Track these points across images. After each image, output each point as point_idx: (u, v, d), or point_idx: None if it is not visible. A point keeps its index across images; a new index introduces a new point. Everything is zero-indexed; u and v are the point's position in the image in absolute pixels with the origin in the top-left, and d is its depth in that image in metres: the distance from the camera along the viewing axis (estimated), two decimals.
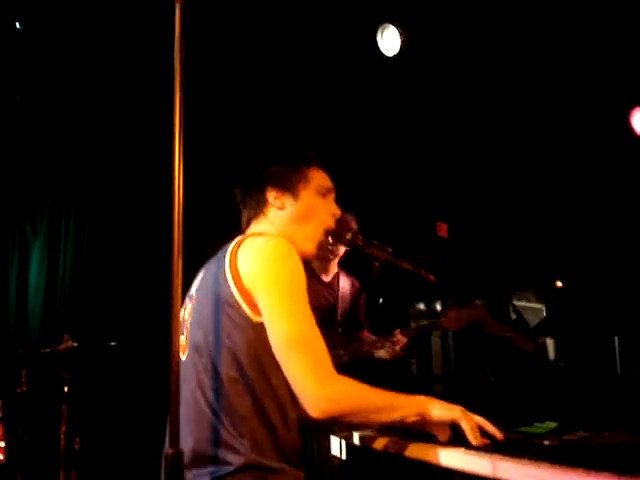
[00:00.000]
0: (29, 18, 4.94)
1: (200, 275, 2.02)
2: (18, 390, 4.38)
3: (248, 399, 1.75)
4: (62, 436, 4.23)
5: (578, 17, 5.17)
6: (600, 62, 5.53)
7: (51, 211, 5.79)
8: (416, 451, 1.84)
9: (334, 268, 3.58)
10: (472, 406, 1.85)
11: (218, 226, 2.05)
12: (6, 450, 4.17)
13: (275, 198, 2.04)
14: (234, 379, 1.76)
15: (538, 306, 9.17)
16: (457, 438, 1.76)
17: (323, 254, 3.47)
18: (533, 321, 8.84)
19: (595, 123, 6.16)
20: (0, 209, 5.54)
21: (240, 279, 1.78)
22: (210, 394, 1.78)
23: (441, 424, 1.81)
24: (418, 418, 1.80)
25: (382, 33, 5.49)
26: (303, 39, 5.32)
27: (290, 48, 5.37)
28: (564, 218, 7.54)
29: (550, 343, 9.01)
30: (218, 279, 1.83)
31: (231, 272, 1.80)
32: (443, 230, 6.79)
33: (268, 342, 1.76)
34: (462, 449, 1.69)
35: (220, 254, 1.92)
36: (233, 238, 1.95)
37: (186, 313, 1.97)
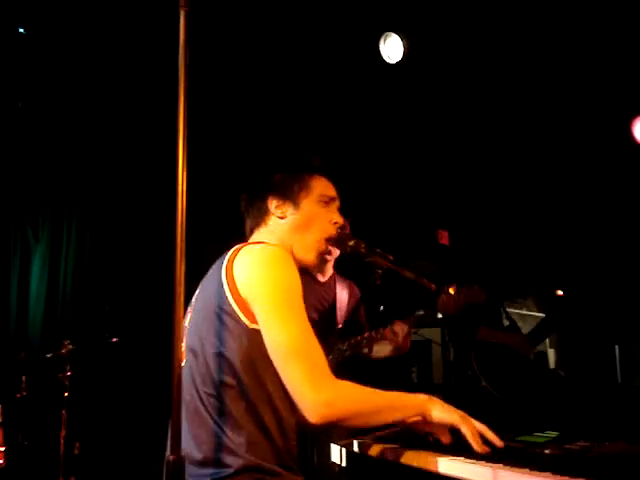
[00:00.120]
0: (32, 23, 4.95)
1: (201, 285, 2.03)
2: (18, 395, 4.38)
3: (243, 404, 1.77)
4: (62, 441, 4.24)
5: (581, 25, 5.18)
6: (602, 71, 5.53)
7: (53, 216, 5.80)
8: (417, 459, 1.84)
9: (330, 269, 3.57)
10: (473, 414, 1.85)
11: (220, 234, 2.05)
12: (6, 455, 4.17)
13: (276, 207, 2.05)
14: (229, 384, 1.78)
15: (538, 314, 9.17)
16: (458, 443, 1.76)
17: (317, 265, 3.46)
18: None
19: (597, 132, 6.17)
20: (2, 214, 5.54)
21: (236, 287, 1.80)
22: (207, 398, 1.79)
23: (442, 426, 1.81)
24: (419, 418, 1.81)
25: (385, 41, 5.50)
26: (306, 46, 5.33)
27: (293, 55, 5.38)
28: (565, 226, 7.54)
29: (551, 352, 9.00)
30: (214, 287, 1.85)
31: (227, 280, 1.82)
32: (444, 238, 6.79)
33: (263, 348, 1.77)
34: (462, 458, 1.69)
35: (218, 263, 1.93)
36: (235, 246, 1.96)
37: (186, 320, 1.98)
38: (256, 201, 2.09)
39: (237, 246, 1.94)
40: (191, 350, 1.88)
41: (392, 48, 5.47)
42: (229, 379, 1.78)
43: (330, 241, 2.12)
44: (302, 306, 1.81)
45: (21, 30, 4.88)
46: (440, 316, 3.53)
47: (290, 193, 2.06)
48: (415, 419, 1.82)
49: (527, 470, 1.49)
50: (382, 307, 3.37)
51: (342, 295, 3.50)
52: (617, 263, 7.39)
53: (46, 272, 5.71)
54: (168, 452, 1.47)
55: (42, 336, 5.47)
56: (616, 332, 7.50)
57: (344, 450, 2.39)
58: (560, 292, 8.82)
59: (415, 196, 6.64)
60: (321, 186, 2.10)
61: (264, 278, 1.81)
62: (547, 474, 1.43)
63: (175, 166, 1.58)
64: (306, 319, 1.80)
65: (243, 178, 2.17)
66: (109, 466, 4.99)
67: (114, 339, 4.49)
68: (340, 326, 3.42)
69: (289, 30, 5.20)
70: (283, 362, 1.74)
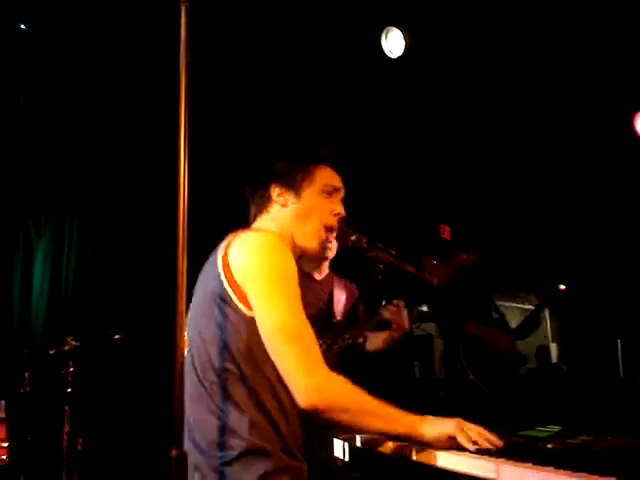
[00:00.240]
0: (34, 20, 4.95)
1: (200, 273, 2.04)
2: (21, 391, 4.39)
3: (244, 389, 1.78)
4: (65, 437, 4.24)
5: (583, 21, 5.17)
6: (604, 67, 5.52)
7: (55, 213, 5.80)
8: (420, 454, 1.84)
9: (326, 268, 3.57)
10: (474, 411, 1.85)
11: (224, 226, 2.05)
12: (9, 451, 4.17)
13: (278, 195, 2.06)
14: (228, 371, 1.79)
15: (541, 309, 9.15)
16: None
17: (319, 253, 3.46)
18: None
19: (599, 127, 6.16)
20: (4, 210, 5.54)
21: (232, 274, 1.81)
22: (209, 385, 1.81)
23: (443, 442, 1.77)
24: (413, 439, 1.80)
25: (386, 35, 5.49)
26: (308, 41, 5.33)
27: (295, 50, 5.37)
28: (567, 221, 7.53)
29: (553, 346, 9.00)
30: (212, 275, 1.86)
31: (223, 268, 1.83)
32: (446, 232, 6.79)
33: (260, 335, 1.79)
34: (466, 453, 1.69)
35: (215, 251, 1.94)
36: (231, 234, 1.97)
37: (189, 311, 1.99)
38: (259, 188, 2.10)
39: (233, 234, 1.95)
40: (192, 340, 1.90)
41: (394, 43, 5.46)
42: (229, 366, 1.79)
43: (331, 231, 2.12)
44: (297, 292, 1.83)
45: (22, 26, 4.87)
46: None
47: (293, 182, 2.06)
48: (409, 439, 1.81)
49: (530, 464, 1.49)
50: (384, 302, 3.37)
51: (340, 294, 3.50)
52: (619, 257, 7.38)
53: (48, 268, 5.71)
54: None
55: (45, 332, 5.48)
56: (618, 326, 7.50)
57: (347, 445, 2.40)
58: (562, 286, 8.82)
59: (417, 191, 6.64)
60: (325, 176, 2.10)
61: (258, 264, 1.82)
62: (550, 468, 1.43)
63: (177, 161, 1.57)
64: (300, 305, 1.81)
65: (247, 168, 2.17)
66: (112, 462, 5.00)
67: (116, 336, 4.49)
68: (338, 319, 3.42)
69: (291, 24, 5.19)
70: (275, 345, 1.76)
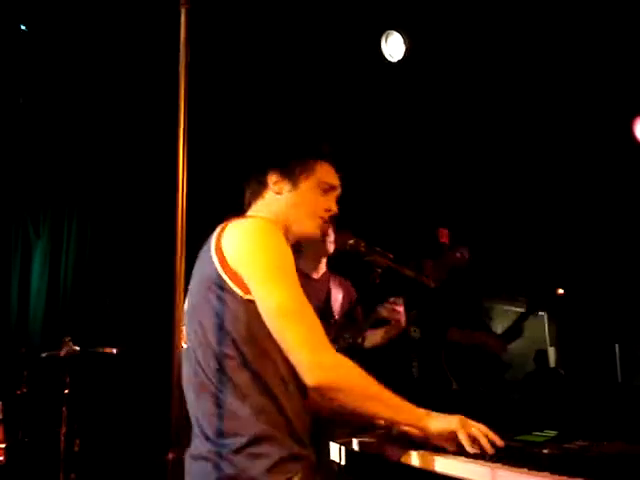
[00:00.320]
0: (34, 20, 4.95)
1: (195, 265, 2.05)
2: (18, 392, 4.38)
3: (247, 374, 1.77)
4: (62, 438, 4.23)
5: (583, 26, 5.17)
6: (603, 72, 5.53)
7: (54, 212, 5.79)
8: (416, 458, 1.84)
9: (323, 266, 3.57)
10: (473, 412, 1.85)
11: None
12: (6, 452, 4.17)
13: (275, 183, 2.06)
14: (230, 356, 1.78)
15: (539, 313, 9.16)
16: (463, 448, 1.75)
17: (315, 252, 3.47)
18: (534, 328, 8.84)
19: (598, 132, 6.17)
20: (3, 210, 5.54)
21: (225, 260, 1.81)
22: (210, 372, 1.80)
23: (446, 437, 1.78)
24: (418, 432, 1.80)
25: (386, 39, 5.50)
26: (308, 44, 5.33)
27: (295, 53, 5.38)
28: (566, 226, 7.53)
29: (551, 350, 9.01)
30: (206, 264, 1.86)
31: (217, 254, 1.83)
32: (444, 236, 6.78)
33: (261, 318, 1.78)
34: (462, 457, 1.69)
35: (208, 240, 1.94)
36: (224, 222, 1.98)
37: (185, 304, 1.97)
38: (257, 174, 2.10)
39: (225, 222, 1.95)
40: (191, 329, 1.89)
41: (394, 46, 5.47)
42: (230, 351, 1.78)
43: (325, 223, 2.12)
44: (294, 273, 1.83)
45: (22, 27, 4.88)
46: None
47: (291, 172, 2.06)
48: (412, 431, 1.83)
49: (525, 470, 1.49)
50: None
51: (337, 293, 3.51)
52: (618, 263, 7.39)
53: (47, 268, 5.70)
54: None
55: (43, 332, 5.47)
56: (616, 331, 7.50)
57: (343, 448, 2.40)
58: (561, 291, 8.82)
59: (416, 194, 6.64)
60: (323, 172, 2.10)
61: (252, 248, 1.83)
62: (545, 474, 1.43)
63: (176, 160, 1.58)
64: (298, 285, 1.81)
65: (246, 155, 2.17)
66: (109, 463, 4.99)
67: (114, 350, 4.46)
68: (336, 318, 3.43)
69: (291, 27, 5.19)
70: (278, 325, 1.76)
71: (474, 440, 1.73)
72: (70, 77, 5.38)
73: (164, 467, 1.48)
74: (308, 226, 2.08)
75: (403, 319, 3.21)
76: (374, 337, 3.39)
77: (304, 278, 3.43)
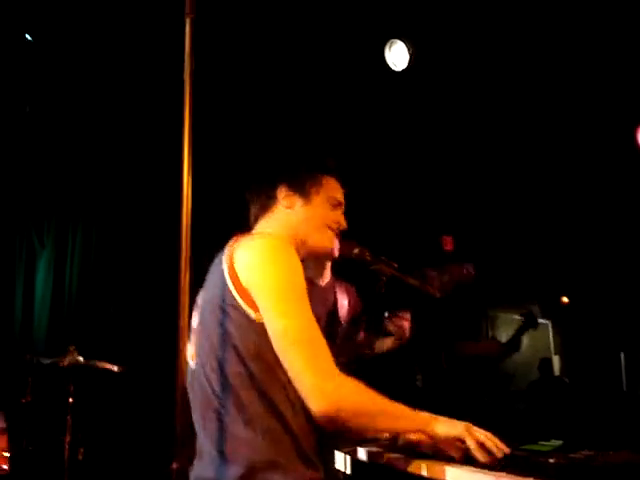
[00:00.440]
0: (39, 30, 4.98)
1: (205, 279, 2.02)
2: (23, 400, 4.38)
3: (255, 394, 1.74)
4: (66, 447, 4.22)
5: (587, 35, 5.18)
6: (607, 81, 5.53)
7: (58, 222, 5.81)
8: (421, 468, 1.83)
9: (328, 273, 3.56)
10: (479, 422, 1.85)
11: (226, 234, 2.05)
12: (10, 460, 4.17)
13: (285, 196, 2.04)
14: (240, 377, 1.75)
15: (544, 322, 9.15)
16: (469, 456, 1.75)
17: (331, 253, 3.46)
18: (538, 336, 8.83)
19: (601, 140, 6.17)
20: (8, 219, 5.55)
21: (238, 278, 1.78)
22: (219, 391, 1.77)
23: (449, 442, 1.79)
24: (424, 437, 1.80)
25: (390, 48, 5.51)
26: (312, 53, 5.35)
27: (299, 64, 5.39)
28: (570, 234, 7.53)
29: (556, 359, 8.98)
30: (218, 280, 1.84)
31: (229, 272, 1.80)
32: (449, 244, 6.79)
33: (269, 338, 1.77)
34: (467, 467, 1.68)
35: (220, 255, 1.92)
36: (236, 237, 1.95)
37: (193, 321, 1.96)
38: (265, 188, 2.07)
39: (237, 237, 1.93)
40: (200, 348, 1.87)
41: (398, 55, 5.48)
42: (239, 370, 1.75)
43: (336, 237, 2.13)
44: (304, 295, 1.80)
45: (28, 37, 4.90)
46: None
47: (301, 186, 2.05)
48: (419, 437, 1.82)
49: (531, 479, 1.49)
50: (387, 313, 3.38)
51: (342, 299, 3.50)
52: (623, 271, 7.38)
53: (51, 277, 5.72)
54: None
55: (47, 341, 5.48)
56: (622, 339, 7.48)
57: (348, 457, 2.39)
58: (566, 299, 8.82)
59: (420, 203, 6.65)
60: (331, 188, 2.11)
61: (264, 267, 1.80)
62: None
63: (180, 170, 1.58)
64: (309, 308, 1.78)
65: (251, 170, 2.16)
66: (113, 473, 4.99)
67: (115, 368, 4.45)
68: (342, 323, 3.42)
69: (294, 38, 5.21)
70: (286, 350, 1.73)
71: (481, 446, 1.73)
72: (75, 86, 5.40)
73: (168, 477, 1.48)
74: (320, 240, 2.08)
75: (408, 332, 3.21)
76: (383, 344, 3.39)
77: (310, 285, 3.42)
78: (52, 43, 5.05)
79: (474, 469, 1.66)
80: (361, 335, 3.46)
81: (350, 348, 3.19)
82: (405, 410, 1.79)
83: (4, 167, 5.52)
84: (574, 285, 8.29)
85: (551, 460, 1.71)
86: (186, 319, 1.53)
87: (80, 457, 4.32)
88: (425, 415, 1.81)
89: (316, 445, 1.80)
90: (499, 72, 5.65)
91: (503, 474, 1.56)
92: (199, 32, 1.68)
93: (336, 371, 1.74)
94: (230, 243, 1.90)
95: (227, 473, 1.72)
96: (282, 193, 2.04)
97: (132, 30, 4.96)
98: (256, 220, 2.09)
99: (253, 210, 2.10)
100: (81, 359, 4.31)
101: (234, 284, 1.78)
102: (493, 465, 1.68)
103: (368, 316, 3.50)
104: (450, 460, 1.79)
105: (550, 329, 9.27)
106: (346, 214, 2.18)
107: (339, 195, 2.13)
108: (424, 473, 1.82)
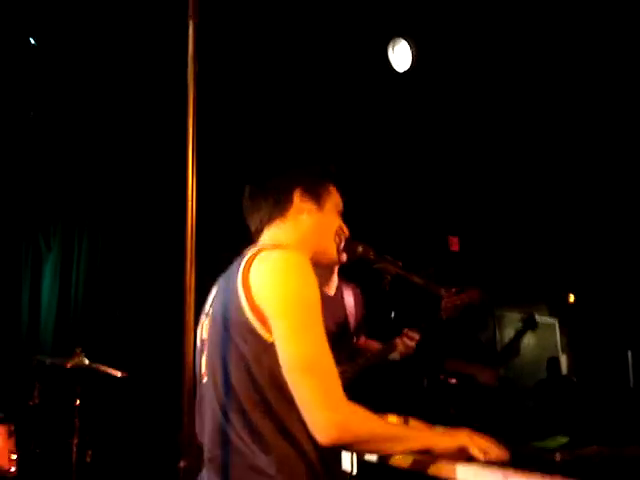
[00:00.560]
0: (43, 34, 4.99)
1: (215, 289, 1.96)
2: (30, 403, 4.39)
3: (271, 421, 1.69)
4: (74, 449, 4.23)
5: (589, 37, 5.18)
6: (610, 75, 5.53)
7: (65, 226, 5.82)
8: (427, 466, 1.83)
9: (336, 279, 3.55)
10: (483, 422, 1.85)
11: (231, 240, 2.04)
12: (18, 463, 4.18)
13: (301, 201, 1.98)
14: (253, 401, 1.70)
15: (550, 321, 9.14)
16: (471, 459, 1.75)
17: (336, 263, 3.46)
18: (546, 335, 8.82)
19: (609, 141, 6.16)
20: (14, 223, 5.57)
21: (252, 298, 1.71)
22: (232, 417, 1.72)
23: (451, 453, 1.76)
24: (425, 452, 1.77)
25: (393, 48, 5.51)
26: (315, 53, 5.36)
27: (302, 65, 5.40)
28: (576, 233, 7.52)
29: (563, 357, 8.97)
30: (231, 297, 1.76)
31: (244, 289, 1.72)
32: (455, 244, 6.79)
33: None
34: (474, 464, 1.69)
35: (233, 268, 1.84)
36: (252, 249, 1.87)
37: (204, 331, 1.91)
38: (280, 192, 2.00)
39: (254, 250, 1.83)
40: (212, 367, 1.82)
41: (401, 56, 5.48)
42: (254, 396, 1.69)
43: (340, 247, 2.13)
44: (320, 319, 1.72)
45: (32, 41, 4.92)
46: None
47: (315, 192, 2.01)
48: (421, 452, 1.79)
49: (538, 474, 1.49)
50: (393, 314, 3.37)
51: (349, 302, 3.49)
52: (629, 270, 7.36)
53: (57, 281, 5.73)
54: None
55: (54, 344, 5.49)
56: (628, 338, 7.47)
57: (355, 457, 2.39)
58: (572, 298, 8.81)
59: (425, 203, 6.65)
60: (335, 195, 2.09)
61: (281, 288, 1.72)
62: (557, 478, 1.43)
63: (185, 173, 1.59)
64: (323, 334, 1.71)
65: (263, 170, 2.12)
66: (121, 474, 5.00)
67: (120, 374, 4.45)
68: (352, 331, 3.42)
69: (297, 39, 5.22)
70: (295, 379, 1.66)
71: (485, 453, 1.72)
72: (80, 91, 5.42)
73: (176, 476, 1.49)
74: (331, 247, 2.06)
75: (413, 348, 3.23)
76: (382, 353, 3.39)
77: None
78: (56, 47, 5.07)
79: (481, 465, 1.66)
80: (362, 339, 3.47)
81: (349, 352, 3.20)
82: (409, 431, 1.79)
83: (10, 172, 5.53)
84: (581, 284, 8.28)
85: (558, 456, 1.72)
86: (192, 320, 1.54)
87: (88, 459, 4.33)
88: (427, 433, 1.81)
89: (329, 464, 1.76)
90: (502, 72, 5.65)
91: (510, 470, 1.56)
92: (202, 35, 1.68)
93: (344, 402, 1.67)
94: (247, 255, 1.81)
95: None
96: (297, 197, 1.98)
97: (136, 35, 4.98)
98: (262, 225, 2.00)
99: (257, 216, 2.01)
100: (87, 361, 4.31)
101: (248, 302, 1.71)
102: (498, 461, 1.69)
103: (374, 316, 3.50)
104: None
105: (557, 328, 9.26)
106: (354, 214, 2.18)
107: (340, 203, 2.11)
108: (431, 471, 1.82)
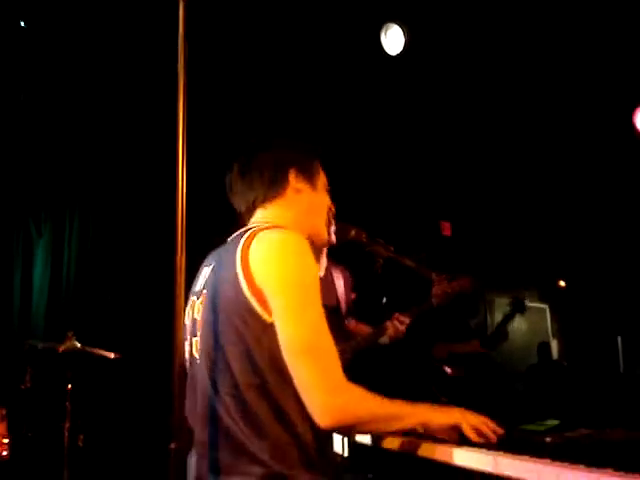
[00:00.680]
0: (33, 16, 4.96)
1: (207, 269, 1.92)
2: (22, 387, 4.39)
3: (267, 404, 1.67)
4: (66, 433, 4.23)
5: (582, 16, 5.17)
6: (603, 63, 5.53)
7: (55, 211, 5.79)
8: (418, 448, 1.84)
9: (324, 260, 3.55)
10: (476, 405, 1.86)
11: (221, 224, 2.03)
12: (10, 447, 4.18)
13: (297, 181, 1.97)
14: (251, 384, 1.68)
15: (541, 306, 9.18)
16: (464, 439, 1.76)
17: (326, 245, 3.46)
18: (536, 320, 8.86)
19: (598, 123, 6.17)
20: (5, 209, 5.55)
21: (252, 278, 1.69)
22: (227, 400, 1.70)
23: (445, 430, 1.77)
24: (421, 428, 1.77)
25: (386, 32, 5.49)
26: (307, 38, 5.33)
27: (293, 47, 5.37)
28: (567, 218, 7.54)
29: (554, 342, 9.02)
30: (229, 276, 1.73)
31: (242, 269, 1.70)
32: (447, 229, 6.80)
33: None
34: (465, 446, 1.69)
35: (229, 247, 1.82)
36: (250, 229, 1.85)
37: (195, 312, 1.88)
38: (275, 172, 1.97)
39: (252, 230, 1.81)
40: (207, 347, 1.78)
41: (393, 40, 5.47)
42: (251, 378, 1.67)
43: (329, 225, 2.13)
44: (319, 302, 1.72)
45: (22, 23, 4.88)
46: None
47: (309, 171, 2.01)
48: (418, 428, 1.78)
49: (527, 457, 1.50)
50: (385, 298, 3.38)
51: (339, 285, 3.49)
52: (620, 255, 7.39)
53: (49, 266, 5.71)
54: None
55: (45, 329, 5.48)
56: (619, 323, 7.52)
57: (346, 440, 2.40)
58: (563, 283, 8.85)
59: (417, 188, 6.65)
60: (322, 173, 2.08)
61: (281, 269, 1.71)
62: (547, 460, 1.44)
63: (176, 157, 1.58)
64: (323, 316, 1.70)
65: (259, 153, 2.08)
66: (113, 458, 5.01)
67: (113, 355, 4.44)
68: (342, 307, 3.42)
69: (289, 22, 5.19)
70: (295, 361, 1.64)
71: (477, 430, 1.74)
72: (70, 74, 5.38)
73: (166, 457, 1.49)
74: (323, 227, 2.06)
75: (403, 332, 3.24)
76: (372, 337, 3.40)
77: None
78: (46, 30, 5.03)
79: (471, 448, 1.67)
80: (352, 322, 3.48)
81: (341, 335, 3.20)
82: (407, 408, 1.75)
83: (0, 157, 5.50)
84: (571, 269, 8.31)
85: (547, 438, 1.73)
86: (182, 302, 1.54)
87: (80, 443, 4.33)
88: (423, 408, 1.78)
89: (323, 448, 1.74)
90: (494, 56, 5.64)
91: (500, 452, 1.57)
92: (193, 19, 1.67)
93: (345, 384, 1.66)
94: (246, 235, 1.79)
95: None
96: (292, 176, 1.96)
97: (126, 17, 4.94)
98: (255, 205, 1.97)
99: (250, 195, 1.97)
100: (79, 345, 4.30)
101: (248, 283, 1.69)
102: (488, 444, 1.70)
103: (365, 300, 3.50)
104: (443, 441, 1.79)
105: (548, 313, 9.31)
106: (346, 199, 2.18)
107: (326, 180, 2.10)
108: (422, 454, 1.83)
